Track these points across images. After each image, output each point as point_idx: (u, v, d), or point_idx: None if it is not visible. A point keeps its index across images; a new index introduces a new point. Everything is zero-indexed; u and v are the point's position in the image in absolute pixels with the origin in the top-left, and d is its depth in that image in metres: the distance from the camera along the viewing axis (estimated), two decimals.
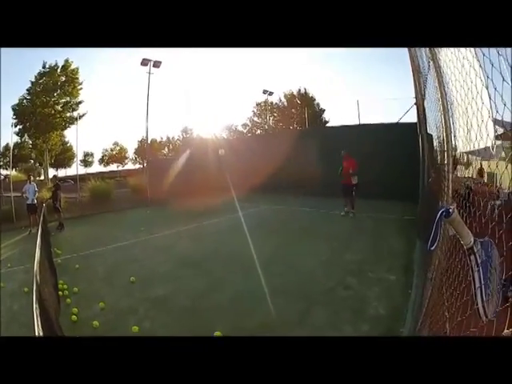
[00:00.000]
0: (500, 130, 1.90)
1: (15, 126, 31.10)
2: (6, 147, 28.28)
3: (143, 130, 19.74)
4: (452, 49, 2.13)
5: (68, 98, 32.96)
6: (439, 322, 1.94)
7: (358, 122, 16.73)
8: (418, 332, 2.68)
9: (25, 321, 3.88)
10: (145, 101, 19.23)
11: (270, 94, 31.57)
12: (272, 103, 41.92)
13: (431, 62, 2.31)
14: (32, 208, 10.43)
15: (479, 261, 1.44)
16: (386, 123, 14.50)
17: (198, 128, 48.49)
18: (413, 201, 10.48)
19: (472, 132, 2.26)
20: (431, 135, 6.72)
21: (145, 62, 19.36)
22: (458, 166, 4.65)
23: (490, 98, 1.51)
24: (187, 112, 77.80)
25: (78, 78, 33.16)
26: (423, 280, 4.73)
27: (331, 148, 13.23)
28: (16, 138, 34.47)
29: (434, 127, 5.87)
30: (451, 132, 2.09)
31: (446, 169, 2.27)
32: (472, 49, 1.75)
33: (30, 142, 34.73)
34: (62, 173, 46.00)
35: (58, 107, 32.56)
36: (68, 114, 32.92)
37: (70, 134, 35.88)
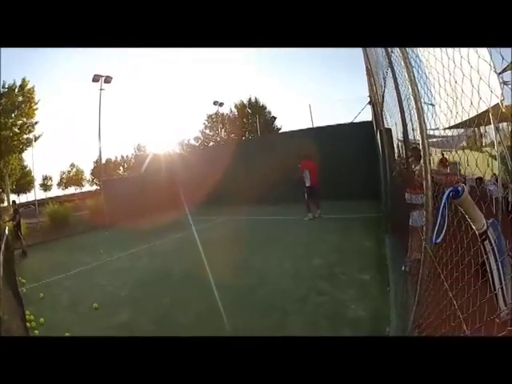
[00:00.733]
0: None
1: None
2: None
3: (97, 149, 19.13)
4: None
5: (25, 119, 31.28)
6: (449, 323, 1.84)
7: (311, 126, 16.67)
8: (411, 332, 2.60)
9: None
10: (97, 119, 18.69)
11: (221, 105, 31.32)
12: (223, 114, 41.78)
13: (401, 61, 2.25)
14: None
15: (494, 245, 1.34)
16: (340, 124, 14.69)
17: (150, 145, 47.66)
18: (374, 198, 10.70)
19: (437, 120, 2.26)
20: (390, 130, 6.83)
21: (96, 78, 18.80)
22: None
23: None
24: (139, 129, 76.91)
25: (34, 98, 31.60)
26: (400, 275, 4.72)
27: (285, 154, 13.33)
28: None
29: (393, 122, 5.96)
30: (425, 125, 2.02)
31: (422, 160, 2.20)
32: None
33: None
34: (23, 198, 45.15)
35: (16, 129, 30.90)
36: (25, 136, 31.25)
37: (28, 157, 34.49)
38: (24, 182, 41.46)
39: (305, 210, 10.88)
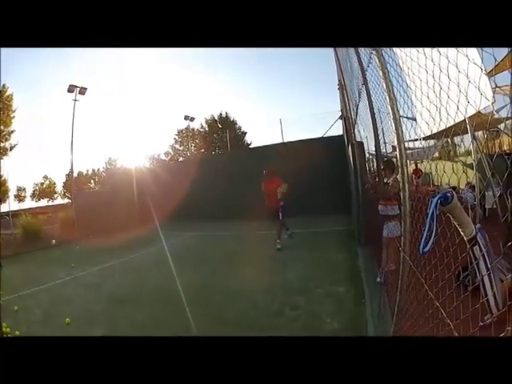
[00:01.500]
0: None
1: None
2: None
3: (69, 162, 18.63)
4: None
5: (2, 127, 29.88)
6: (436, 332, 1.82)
7: (281, 141, 16.82)
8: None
9: None
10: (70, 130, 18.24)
11: (192, 119, 31.29)
12: (193, 129, 41.67)
13: (379, 70, 2.27)
14: None
15: (484, 249, 1.33)
16: (310, 138, 14.87)
17: (121, 158, 46.86)
18: (346, 211, 10.82)
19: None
20: (362, 143, 6.94)
21: (71, 89, 18.36)
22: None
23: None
24: (110, 142, 75.76)
25: (12, 105, 30.27)
26: (376, 286, 4.74)
27: (255, 169, 13.32)
28: None
29: (366, 135, 6.06)
30: (402, 137, 2.03)
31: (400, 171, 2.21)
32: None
33: None
34: None
35: None
36: (1, 145, 29.85)
37: (2, 167, 32.82)
38: None
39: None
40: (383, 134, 4.61)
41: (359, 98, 5.32)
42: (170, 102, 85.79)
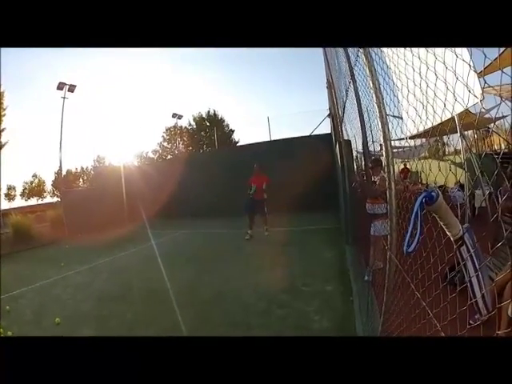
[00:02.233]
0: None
1: None
2: None
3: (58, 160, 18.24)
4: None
5: None
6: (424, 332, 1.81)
7: (268, 139, 16.77)
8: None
9: None
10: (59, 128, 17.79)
11: (180, 117, 31.04)
12: (181, 127, 41.43)
13: (365, 68, 2.25)
14: None
15: (471, 250, 1.31)
16: (298, 136, 14.90)
17: (109, 156, 46.43)
18: (334, 209, 10.84)
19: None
20: (350, 141, 6.94)
21: (60, 86, 17.97)
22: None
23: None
24: (98, 140, 75.25)
25: (2, 103, 29.55)
26: (364, 285, 4.74)
27: (242, 167, 13.36)
28: None
29: (353, 134, 6.06)
30: (388, 133, 2.02)
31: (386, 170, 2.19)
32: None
33: None
34: None
35: None
36: None
37: None
38: None
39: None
40: (371, 132, 4.61)
41: (346, 96, 5.31)
42: (158, 99, 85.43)
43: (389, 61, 2.32)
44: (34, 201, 55.51)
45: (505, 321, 2.43)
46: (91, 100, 76.62)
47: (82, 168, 56.66)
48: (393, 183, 2.05)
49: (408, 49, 1.88)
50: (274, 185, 10.44)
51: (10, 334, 4.68)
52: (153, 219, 15.28)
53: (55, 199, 50.57)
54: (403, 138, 2.42)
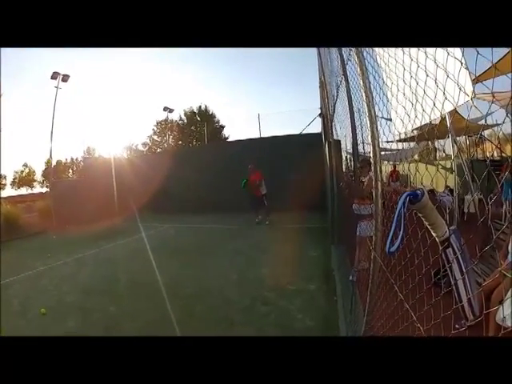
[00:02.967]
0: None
1: None
2: None
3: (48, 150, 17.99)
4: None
5: None
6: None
7: (259, 136, 16.67)
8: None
9: None
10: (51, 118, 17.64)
11: (171, 111, 30.87)
12: (172, 121, 41.27)
13: (357, 67, 2.22)
14: None
15: (458, 252, 1.27)
16: (288, 134, 14.84)
17: (99, 148, 46.02)
18: (321, 209, 10.85)
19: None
20: (339, 141, 6.92)
21: (54, 76, 17.75)
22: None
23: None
24: (88, 131, 74.64)
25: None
26: (348, 284, 4.73)
27: (232, 162, 13.43)
28: None
29: (343, 134, 6.04)
30: (376, 133, 1.99)
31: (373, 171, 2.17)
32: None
33: None
34: None
35: None
36: None
37: None
38: None
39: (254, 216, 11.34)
40: (362, 132, 4.60)
41: (337, 94, 5.29)
42: (150, 92, 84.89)
43: (379, 59, 2.29)
44: (23, 190, 54.85)
45: (492, 327, 2.42)
46: (83, 91, 75.63)
47: (72, 159, 56.56)
48: (379, 182, 2.02)
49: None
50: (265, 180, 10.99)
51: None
52: (141, 212, 15.26)
53: (45, 189, 50.12)
54: (393, 141, 2.40)
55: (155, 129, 44.37)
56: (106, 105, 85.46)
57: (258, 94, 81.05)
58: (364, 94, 2.15)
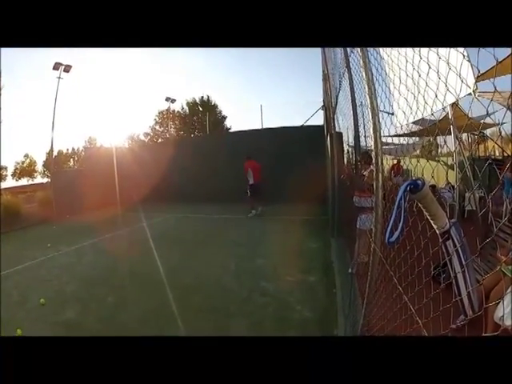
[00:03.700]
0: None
1: None
2: None
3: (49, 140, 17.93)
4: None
5: None
6: (405, 328, 1.80)
7: (261, 127, 16.60)
8: (360, 334, 2.57)
9: None
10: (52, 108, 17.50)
11: (173, 101, 30.80)
12: (174, 111, 41.13)
13: (360, 60, 2.21)
14: None
15: (458, 245, 1.27)
16: (290, 126, 14.75)
17: (101, 138, 45.88)
18: (322, 201, 10.84)
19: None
20: (341, 134, 6.91)
21: (56, 66, 17.63)
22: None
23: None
24: (90, 121, 74.36)
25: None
26: (348, 277, 4.74)
27: (234, 153, 13.40)
28: None
29: (345, 126, 6.02)
30: (378, 125, 1.99)
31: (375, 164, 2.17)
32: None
33: None
34: None
35: None
36: None
37: None
38: None
39: (248, 209, 11.22)
40: (364, 124, 4.58)
41: (340, 87, 5.27)
42: (152, 83, 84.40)
43: (382, 51, 2.28)
44: (24, 181, 54.39)
45: (491, 325, 2.44)
46: (85, 81, 75.16)
47: (73, 149, 56.07)
48: (380, 174, 2.02)
49: None
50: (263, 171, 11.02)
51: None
52: (142, 202, 15.32)
53: (45, 180, 49.97)
54: (395, 135, 2.40)
55: (157, 119, 44.08)
56: (107, 94, 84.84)
57: (261, 85, 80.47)
58: (366, 86, 2.14)
